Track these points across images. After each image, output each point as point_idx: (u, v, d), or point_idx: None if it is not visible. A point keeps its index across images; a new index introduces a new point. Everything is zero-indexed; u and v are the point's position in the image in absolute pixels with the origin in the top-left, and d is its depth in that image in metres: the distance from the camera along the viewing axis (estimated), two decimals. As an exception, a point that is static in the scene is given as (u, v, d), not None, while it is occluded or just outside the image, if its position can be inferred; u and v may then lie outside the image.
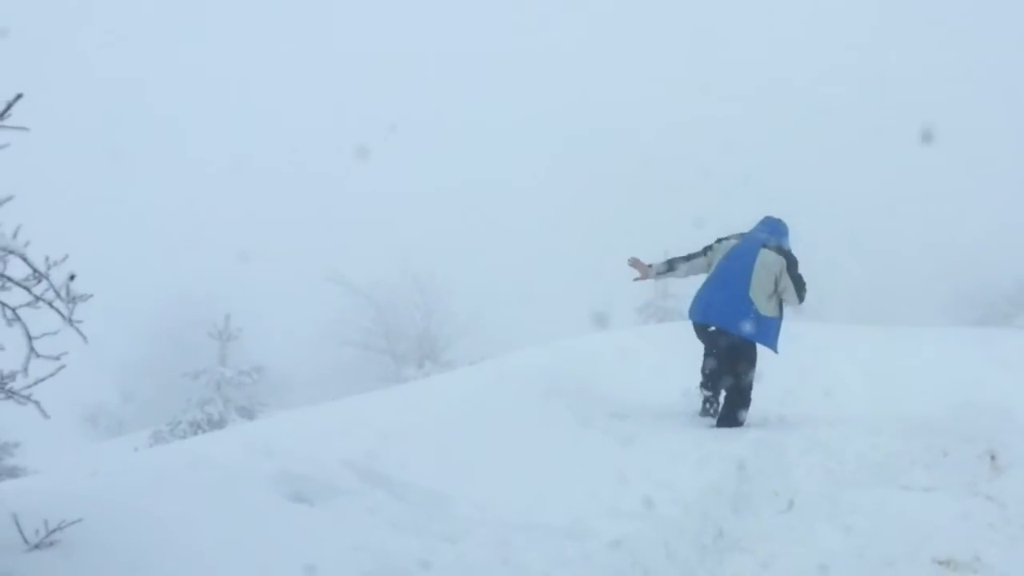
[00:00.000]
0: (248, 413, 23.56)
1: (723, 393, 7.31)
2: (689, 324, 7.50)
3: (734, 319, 6.90)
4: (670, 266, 7.54)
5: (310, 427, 5.84)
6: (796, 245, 7.45)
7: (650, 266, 7.59)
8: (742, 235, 7.41)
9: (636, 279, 7.68)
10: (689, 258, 7.48)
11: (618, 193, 57.44)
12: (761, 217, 7.58)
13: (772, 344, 7.13)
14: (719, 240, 7.47)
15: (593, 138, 66.10)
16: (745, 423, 7.06)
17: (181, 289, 40.78)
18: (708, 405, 7.43)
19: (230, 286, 38.63)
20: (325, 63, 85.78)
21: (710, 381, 7.39)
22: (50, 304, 2.82)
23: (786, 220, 7.53)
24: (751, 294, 6.92)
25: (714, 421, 7.23)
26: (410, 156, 65.57)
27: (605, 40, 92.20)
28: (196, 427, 22.49)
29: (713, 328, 7.08)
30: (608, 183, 60.05)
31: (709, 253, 7.42)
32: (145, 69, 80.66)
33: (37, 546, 3.17)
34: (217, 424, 22.27)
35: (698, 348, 7.57)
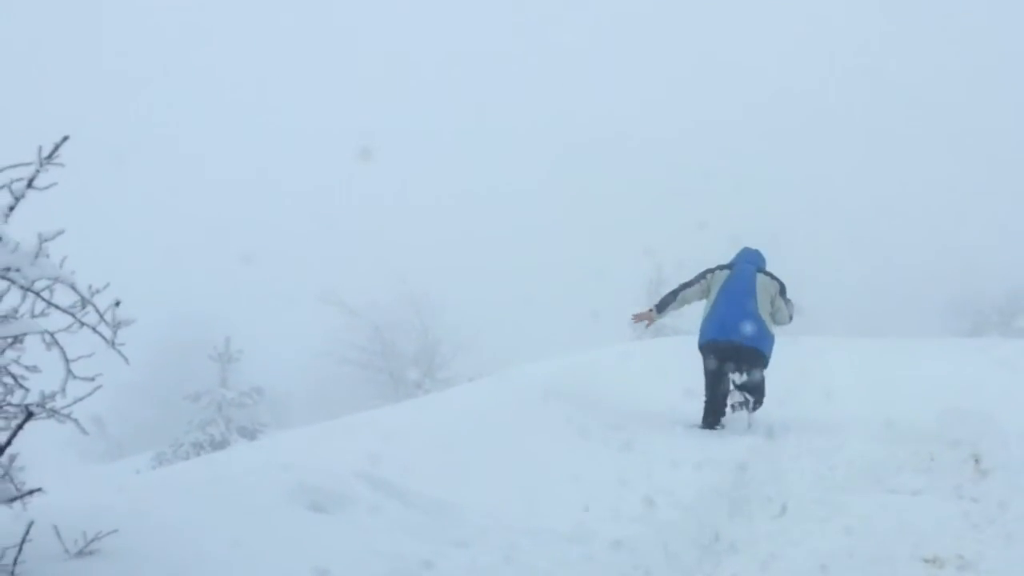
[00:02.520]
0: (249, 433, 23.67)
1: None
2: (690, 345, 8.05)
3: (751, 335, 7.62)
4: (667, 303, 8.18)
5: (323, 441, 6.06)
6: (791, 251, 8.08)
7: (650, 310, 8.26)
8: (730, 265, 8.09)
9: (647, 325, 8.49)
10: (683, 288, 8.10)
11: (620, 198, 57.79)
12: (741, 247, 8.34)
13: (769, 356, 7.82)
14: (710, 271, 8.08)
15: (595, 143, 66.41)
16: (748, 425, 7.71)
17: (179, 310, 40.91)
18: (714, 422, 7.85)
19: (227, 304, 38.78)
20: (325, 71, 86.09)
21: (714, 401, 7.85)
22: (93, 328, 3.03)
23: (763, 248, 8.33)
24: (761, 313, 7.70)
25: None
26: (410, 163, 65.85)
27: (607, 46, 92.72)
28: (199, 448, 22.60)
29: (733, 345, 7.68)
30: (610, 188, 60.38)
31: (703, 281, 8.02)
32: (147, 72, 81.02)
33: (78, 555, 3.38)
34: (219, 445, 22.37)
35: (694, 355, 7.99)
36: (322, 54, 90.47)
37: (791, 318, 7.98)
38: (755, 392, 7.80)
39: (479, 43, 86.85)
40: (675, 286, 8.20)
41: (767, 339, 7.74)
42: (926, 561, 4.72)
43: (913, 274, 39.64)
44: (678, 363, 9.17)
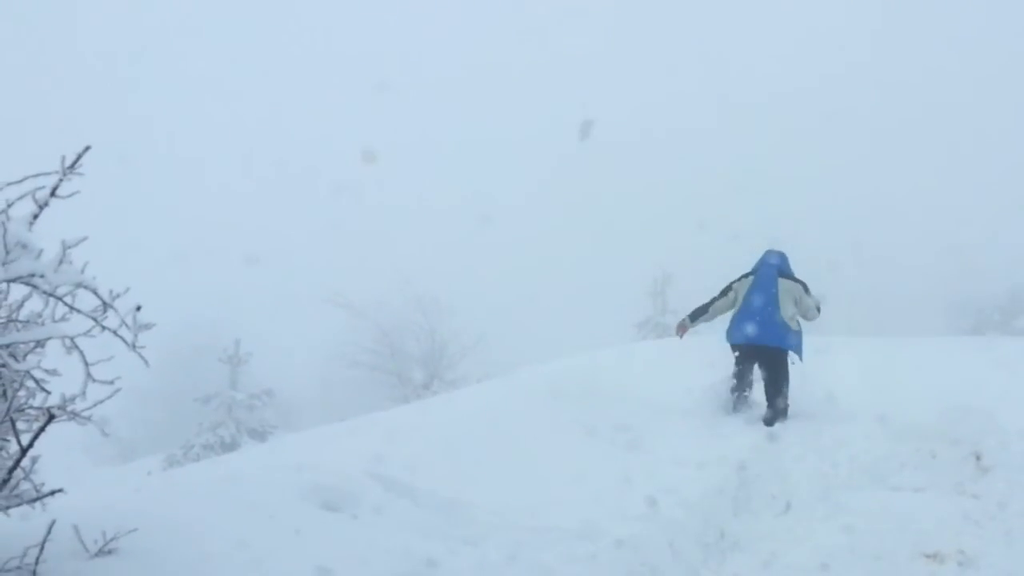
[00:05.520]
0: (259, 435, 23.79)
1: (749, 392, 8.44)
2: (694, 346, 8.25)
3: (773, 337, 8.14)
4: (699, 314, 8.68)
5: (334, 442, 6.15)
6: (798, 251, 8.69)
7: (683, 320, 8.77)
8: (753, 272, 8.56)
9: (681, 336, 8.83)
10: (713, 302, 8.62)
11: (622, 199, 57.90)
12: (764, 249, 8.76)
13: (800, 352, 8.32)
14: (735, 281, 8.57)
15: (597, 145, 66.34)
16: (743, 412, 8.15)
17: (188, 313, 41.01)
18: (739, 402, 8.35)
19: (235, 307, 38.88)
20: (331, 73, 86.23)
21: (741, 384, 8.37)
22: (115, 332, 3.13)
23: (785, 249, 8.77)
24: (782, 316, 8.18)
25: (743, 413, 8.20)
26: (415, 165, 65.92)
27: (608, 48, 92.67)
28: (209, 450, 22.73)
29: (755, 346, 8.18)
30: (612, 189, 60.47)
31: (730, 293, 8.55)
32: (150, 74, 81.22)
33: (98, 554, 3.47)
34: (229, 447, 22.50)
35: (698, 358, 8.08)
36: (327, 56, 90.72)
37: (819, 312, 8.45)
38: (778, 401, 8.08)
39: (482, 45, 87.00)
40: (707, 300, 8.67)
41: (790, 336, 8.20)
42: (927, 557, 4.80)
43: (914, 274, 39.56)
44: (682, 363, 9.29)
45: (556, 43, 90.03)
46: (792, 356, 8.28)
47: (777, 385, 8.10)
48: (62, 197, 2.99)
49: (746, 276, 8.56)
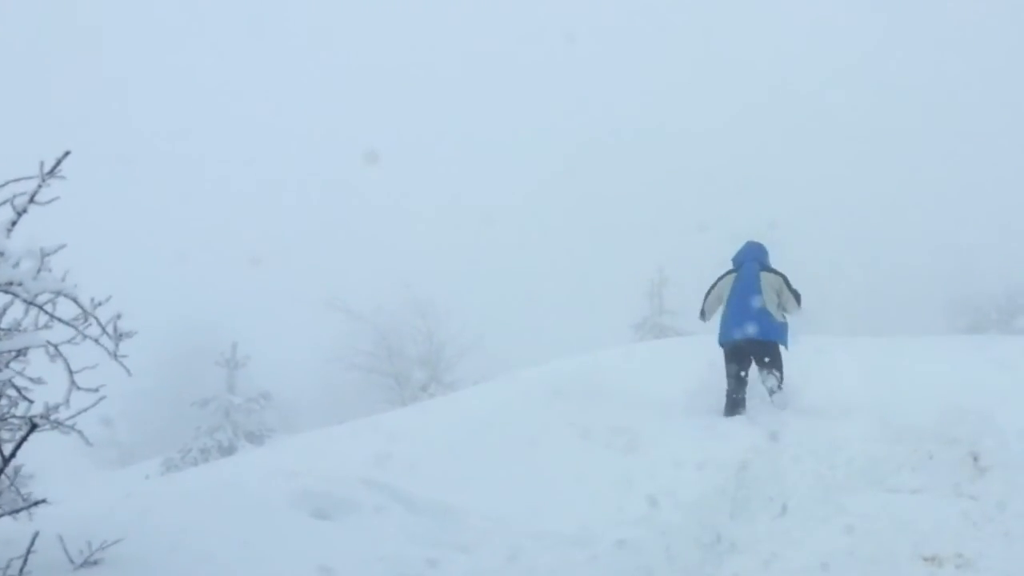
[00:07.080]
0: (257, 439, 23.74)
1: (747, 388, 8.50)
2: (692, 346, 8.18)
3: (764, 331, 8.29)
4: (702, 317, 9.01)
5: (329, 446, 6.12)
6: (792, 251, 8.44)
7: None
8: (737, 268, 8.72)
9: None
10: (704, 303, 8.88)
11: (622, 200, 57.90)
12: (744, 242, 8.93)
13: (786, 342, 8.46)
14: (721, 278, 8.76)
15: (596, 146, 66.38)
16: (740, 415, 8.17)
17: (186, 316, 41.03)
18: (737, 404, 8.34)
19: (233, 310, 38.86)
20: (331, 74, 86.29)
21: (737, 386, 8.37)
22: (96, 341, 3.08)
23: (765, 242, 8.98)
24: (768, 308, 8.35)
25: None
26: (414, 167, 65.88)
27: (608, 49, 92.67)
28: (206, 454, 22.70)
29: (748, 341, 8.30)
30: (612, 190, 60.47)
31: (713, 291, 8.77)
32: (151, 75, 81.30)
33: (83, 565, 3.42)
34: (227, 451, 22.45)
35: (696, 356, 8.09)
36: (328, 58, 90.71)
37: (799, 304, 8.57)
38: (776, 370, 8.28)
39: (482, 47, 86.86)
40: (701, 303, 8.92)
41: (777, 328, 8.36)
42: (926, 560, 4.75)
43: (913, 273, 39.47)
44: (680, 364, 9.28)
45: (557, 43, 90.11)
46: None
47: (775, 369, 8.26)
48: (41, 203, 2.95)
49: (729, 273, 8.71)
